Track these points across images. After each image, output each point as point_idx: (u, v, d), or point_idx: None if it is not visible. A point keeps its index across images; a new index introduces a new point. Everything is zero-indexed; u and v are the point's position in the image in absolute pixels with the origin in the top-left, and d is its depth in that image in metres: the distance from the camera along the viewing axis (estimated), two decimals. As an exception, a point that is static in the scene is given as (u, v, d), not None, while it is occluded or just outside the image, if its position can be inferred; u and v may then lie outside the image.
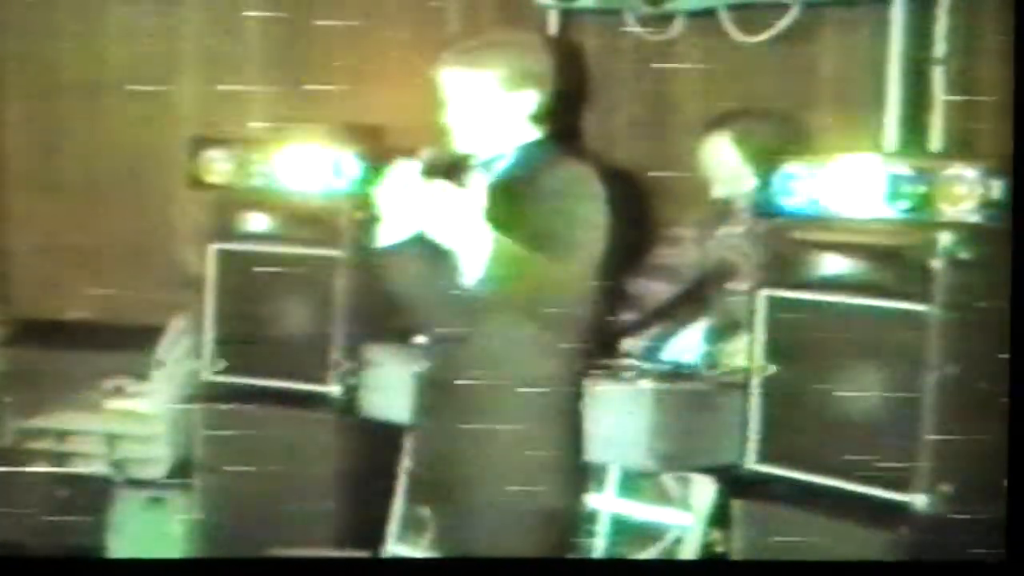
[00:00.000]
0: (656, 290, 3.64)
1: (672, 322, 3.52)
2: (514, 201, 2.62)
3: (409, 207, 2.56)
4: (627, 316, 3.61)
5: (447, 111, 2.72)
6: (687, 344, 3.46)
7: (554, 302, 2.59)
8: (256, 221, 3.94)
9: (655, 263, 3.69)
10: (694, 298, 3.54)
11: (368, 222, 3.68)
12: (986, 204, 2.76)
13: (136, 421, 4.43)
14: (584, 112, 4.43)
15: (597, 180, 2.67)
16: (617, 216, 2.71)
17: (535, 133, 2.75)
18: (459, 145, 2.74)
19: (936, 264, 2.79)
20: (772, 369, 3.03)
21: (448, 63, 2.71)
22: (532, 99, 2.71)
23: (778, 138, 3.43)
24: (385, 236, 2.65)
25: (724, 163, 3.52)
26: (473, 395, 2.67)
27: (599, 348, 3.03)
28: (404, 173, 2.58)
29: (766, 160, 3.26)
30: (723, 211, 3.57)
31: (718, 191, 3.57)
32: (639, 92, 4.37)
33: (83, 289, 4.91)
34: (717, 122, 3.56)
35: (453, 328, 2.66)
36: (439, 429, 2.74)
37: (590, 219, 2.63)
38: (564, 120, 2.80)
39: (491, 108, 2.69)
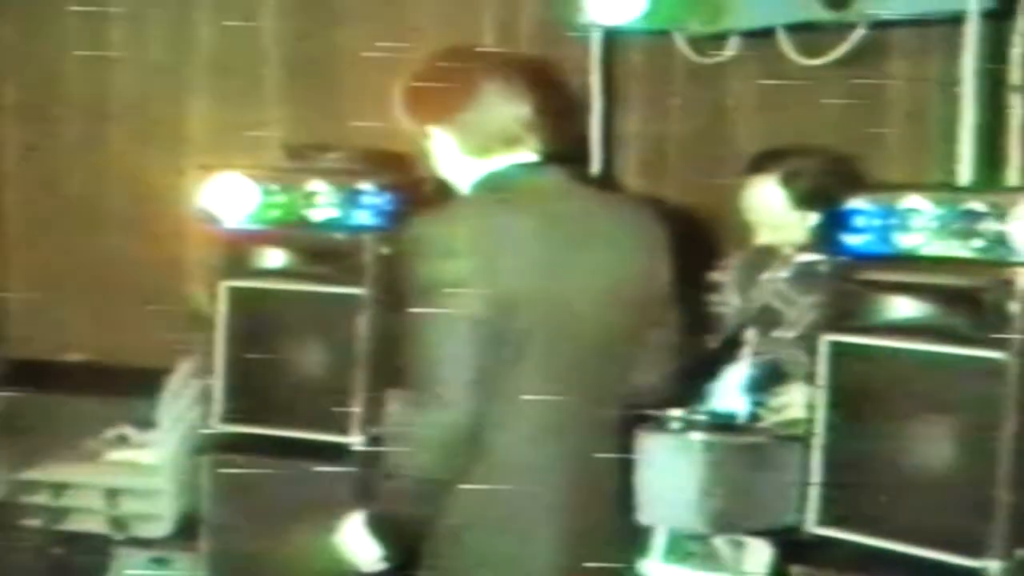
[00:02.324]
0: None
1: (711, 372, 3.55)
2: None
3: None
4: None
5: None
6: (723, 393, 3.49)
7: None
8: (271, 256, 3.98)
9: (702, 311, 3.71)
10: (736, 347, 3.57)
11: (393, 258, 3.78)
12: (1067, 242, 2.77)
13: (139, 474, 4.46)
14: (630, 141, 4.49)
15: (450, 238, 2.60)
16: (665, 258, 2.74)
17: (488, 167, 2.74)
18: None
19: (1014, 307, 2.80)
20: (830, 421, 3.05)
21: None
22: (455, 133, 2.73)
23: (829, 178, 3.42)
24: None
25: (771, 207, 3.52)
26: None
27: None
28: None
29: (816, 204, 3.28)
30: (766, 254, 3.61)
31: (765, 237, 3.58)
32: (691, 119, 4.43)
33: (84, 328, 4.98)
34: (762, 163, 3.56)
35: None
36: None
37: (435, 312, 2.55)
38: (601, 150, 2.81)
39: (435, 158, 2.80)
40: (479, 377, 2.54)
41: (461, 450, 2.58)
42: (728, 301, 3.68)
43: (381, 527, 2.74)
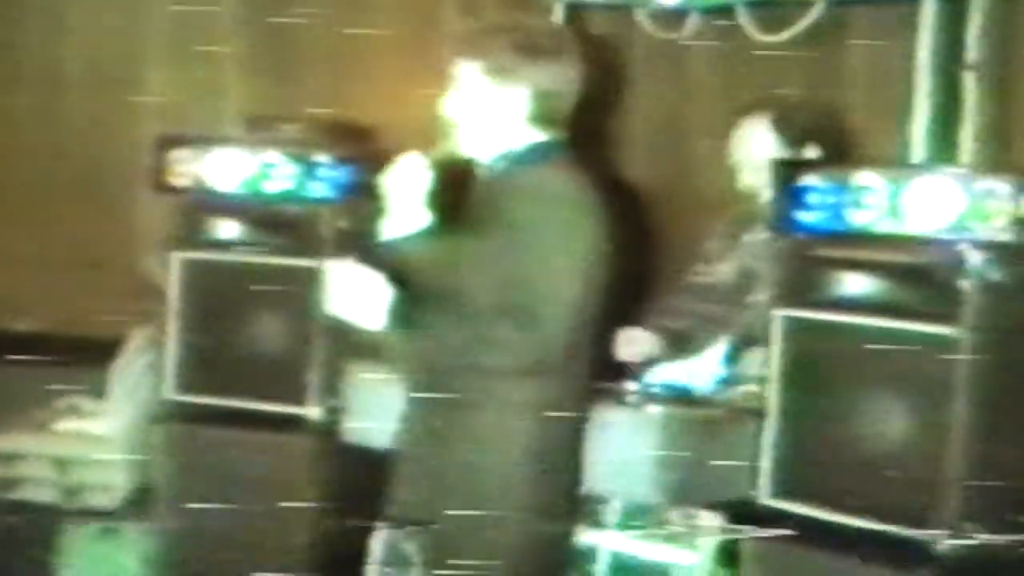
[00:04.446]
0: (697, 310, 3.73)
1: (692, 344, 3.61)
2: (488, 214, 2.78)
3: (416, 200, 2.77)
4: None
5: (448, 102, 2.85)
6: (704, 367, 3.56)
7: (532, 367, 2.75)
8: (226, 228, 4.02)
9: (691, 281, 3.78)
10: (717, 316, 3.64)
11: (350, 231, 3.83)
12: (1018, 221, 2.85)
13: (90, 444, 4.50)
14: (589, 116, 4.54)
15: (576, 200, 2.76)
16: (624, 234, 2.82)
17: (541, 137, 2.85)
18: (460, 144, 2.87)
19: (965, 285, 2.87)
20: (783, 396, 3.12)
21: (454, 49, 2.85)
22: (534, 97, 2.80)
23: (818, 127, 3.57)
24: (390, 229, 2.82)
25: (760, 148, 3.62)
26: (461, 419, 2.80)
27: (612, 372, 3.13)
28: (412, 165, 2.79)
29: (804, 147, 3.45)
30: (747, 217, 3.68)
31: (748, 178, 3.65)
32: (650, 95, 4.48)
33: (35, 298, 5.00)
34: (756, 105, 3.70)
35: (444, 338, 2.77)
36: (427, 455, 2.86)
37: (561, 256, 2.72)
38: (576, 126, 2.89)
39: (486, 102, 2.81)
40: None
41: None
42: (714, 270, 3.75)
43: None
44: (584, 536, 3.27)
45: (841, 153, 3.61)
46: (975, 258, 2.87)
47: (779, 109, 3.65)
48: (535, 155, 2.83)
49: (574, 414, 2.89)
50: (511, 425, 2.78)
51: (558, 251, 2.72)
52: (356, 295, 2.74)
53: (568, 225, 2.74)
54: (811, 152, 3.57)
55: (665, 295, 3.83)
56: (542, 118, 2.84)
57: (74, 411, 4.70)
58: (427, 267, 2.80)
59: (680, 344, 3.60)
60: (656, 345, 3.64)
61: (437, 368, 2.81)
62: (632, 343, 3.63)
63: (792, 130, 3.60)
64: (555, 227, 2.73)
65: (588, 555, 3.37)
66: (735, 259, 3.71)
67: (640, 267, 3.75)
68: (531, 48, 2.80)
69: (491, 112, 2.82)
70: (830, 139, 3.59)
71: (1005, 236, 2.86)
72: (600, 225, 2.79)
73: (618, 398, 3.23)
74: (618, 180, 3.73)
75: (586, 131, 2.90)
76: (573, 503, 2.94)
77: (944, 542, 2.85)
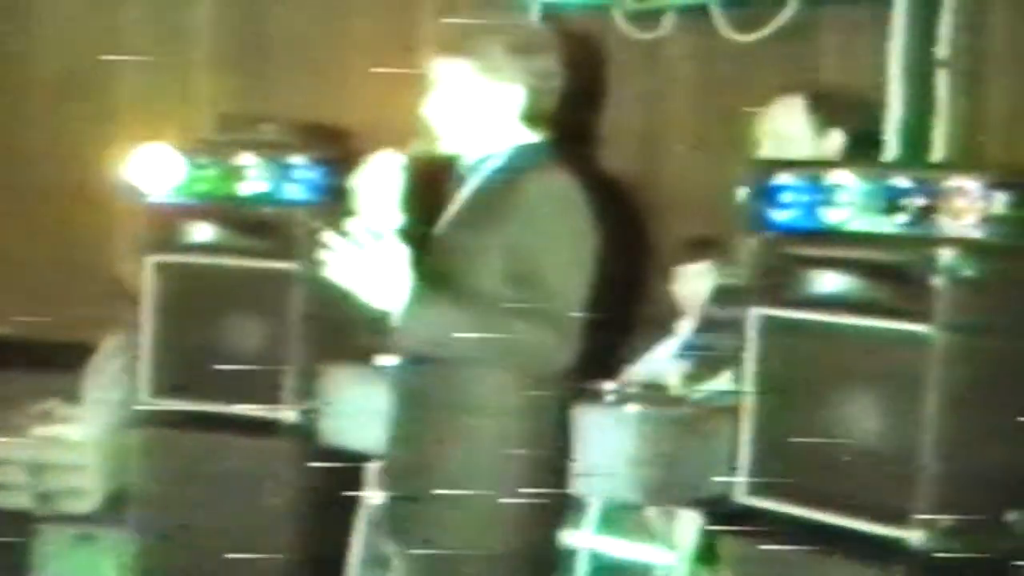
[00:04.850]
0: (729, 319, 3.75)
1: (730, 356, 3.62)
2: (490, 214, 2.78)
3: (390, 200, 2.77)
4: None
5: (431, 102, 2.84)
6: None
7: (528, 365, 2.76)
8: (200, 231, 4.02)
9: (721, 285, 3.81)
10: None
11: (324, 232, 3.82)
12: (989, 218, 2.89)
13: (65, 448, 4.49)
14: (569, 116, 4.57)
15: (579, 200, 2.77)
16: (610, 234, 2.84)
17: (530, 136, 2.86)
18: (443, 143, 2.86)
19: (937, 282, 2.90)
20: (759, 393, 3.15)
21: (440, 48, 2.85)
22: (527, 95, 2.81)
23: (846, 115, 3.61)
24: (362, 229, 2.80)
25: (790, 124, 3.65)
26: (446, 423, 2.80)
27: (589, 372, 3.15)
28: (387, 164, 2.79)
29: (829, 131, 3.50)
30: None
31: (768, 151, 3.66)
32: (625, 94, 4.51)
33: (8, 302, 5.00)
34: (795, 86, 3.73)
35: (422, 345, 2.79)
36: (408, 458, 2.86)
37: (573, 257, 2.75)
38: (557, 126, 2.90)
39: (477, 101, 2.81)
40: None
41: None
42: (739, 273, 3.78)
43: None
44: (565, 537, 3.29)
45: (866, 143, 3.65)
46: (947, 255, 2.90)
47: (814, 92, 3.70)
48: (528, 156, 2.83)
49: (565, 415, 2.89)
50: (506, 425, 2.78)
51: (565, 252, 2.74)
52: (382, 269, 2.70)
53: (572, 227, 2.76)
54: (835, 137, 3.61)
55: (703, 306, 3.84)
56: (531, 116, 2.84)
57: (49, 416, 4.69)
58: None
59: (720, 362, 3.60)
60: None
61: (432, 363, 2.80)
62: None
63: (822, 113, 3.63)
64: (560, 229, 2.75)
65: (568, 556, 3.38)
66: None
67: (623, 265, 3.75)
68: (522, 46, 2.82)
69: (481, 110, 2.82)
70: (856, 128, 3.61)
71: (977, 233, 2.90)
72: (597, 227, 2.80)
73: (596, 397, 3.24)
74: (603, 180, 3.75)
75: (566, 131, 2.90)
76: (562, 504, 2.94)
77: (919, 538, 2.88)
